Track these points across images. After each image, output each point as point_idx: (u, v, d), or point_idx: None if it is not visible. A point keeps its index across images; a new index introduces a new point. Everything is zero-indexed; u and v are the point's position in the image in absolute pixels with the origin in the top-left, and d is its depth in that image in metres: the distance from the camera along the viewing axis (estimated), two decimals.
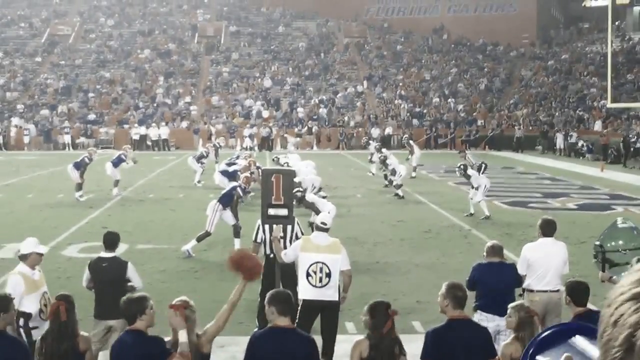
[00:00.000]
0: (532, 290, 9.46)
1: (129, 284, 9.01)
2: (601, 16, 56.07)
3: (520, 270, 9.48)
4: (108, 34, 71.16)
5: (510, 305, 6.90)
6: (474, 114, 56.50)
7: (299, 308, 9.14)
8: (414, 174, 32.02)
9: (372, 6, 74.13)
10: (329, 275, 9.20)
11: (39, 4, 77.48)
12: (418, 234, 19.30)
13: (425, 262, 16.04)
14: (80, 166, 24.92)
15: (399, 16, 72.69)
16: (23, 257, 8.48)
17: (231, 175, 24.08)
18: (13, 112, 56.24)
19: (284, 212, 10.32)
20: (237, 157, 28.84)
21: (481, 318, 8.77)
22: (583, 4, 68.66)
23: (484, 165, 23.44)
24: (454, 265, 15.24)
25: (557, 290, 9.31)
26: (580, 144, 46.83)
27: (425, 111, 57.12)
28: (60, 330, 6.77)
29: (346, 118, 55.77)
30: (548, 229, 9.71)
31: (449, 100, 58.69)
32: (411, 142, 34.72)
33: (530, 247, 9.75)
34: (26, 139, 52.76)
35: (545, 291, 9.40)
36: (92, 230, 19.18)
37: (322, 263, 9.22)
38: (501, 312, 7.22)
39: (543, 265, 9.45)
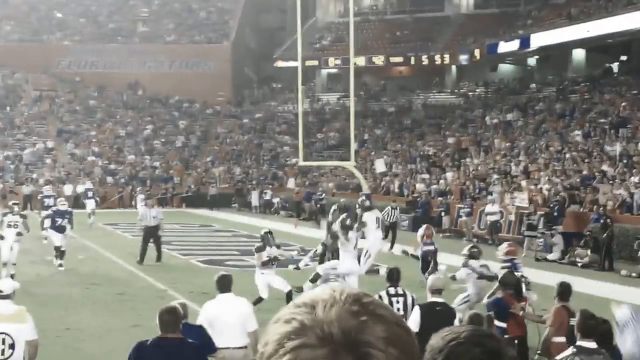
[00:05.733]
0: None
1: None
2: (292, 77, 57.50)
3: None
4: None
5: None
6: (170, 171, 55.66)
7: None
8: None
9: (62, 59, 70.97)
10: (12, 346, 8.73)
11: None
12: (112, 296, 18.39)
13: (120, 325, 15.16)
14: None
15: (91, 70, 70.23)
16: None
17: None
18: None
19: None
20: None
21: None
22: (274, 64, 70.53)
23: None
24: (152, 329, 14.41)
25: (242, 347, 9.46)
26: (275, 201, 47.44)
27: (120, 168, 55.37)
28: None
29: (35, 175, 51.84)
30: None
31: (145, 157, 57.48)
32: None
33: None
34: None
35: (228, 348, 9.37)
36: None
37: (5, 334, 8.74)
38: None
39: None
